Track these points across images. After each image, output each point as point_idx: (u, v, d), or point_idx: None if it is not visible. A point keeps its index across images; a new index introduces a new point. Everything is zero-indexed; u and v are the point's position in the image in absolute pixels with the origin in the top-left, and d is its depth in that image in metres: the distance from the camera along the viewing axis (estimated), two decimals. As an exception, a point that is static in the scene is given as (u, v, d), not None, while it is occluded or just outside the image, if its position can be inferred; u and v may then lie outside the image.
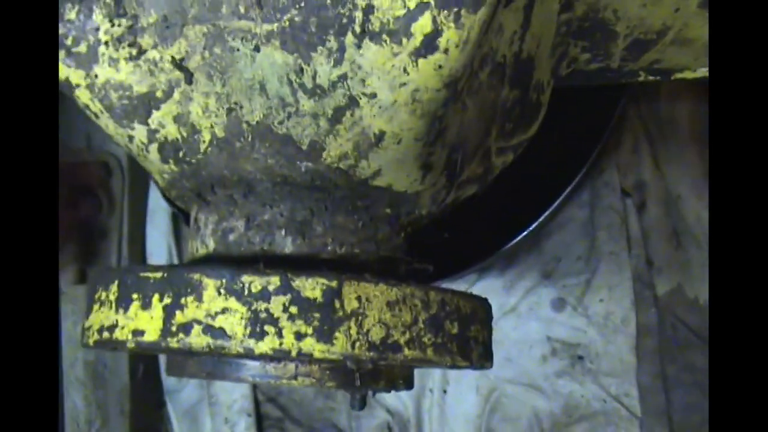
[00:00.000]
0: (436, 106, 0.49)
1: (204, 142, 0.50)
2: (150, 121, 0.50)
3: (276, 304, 0.46)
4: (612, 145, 1.27)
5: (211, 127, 0.50)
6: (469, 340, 0.51)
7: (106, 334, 0.49)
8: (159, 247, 1.24)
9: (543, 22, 0.61)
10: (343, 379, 0.50)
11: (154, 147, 0.52)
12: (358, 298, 0.47)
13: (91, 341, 0.50)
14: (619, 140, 1.27)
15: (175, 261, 1.25)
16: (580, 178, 1.28)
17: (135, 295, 0.48)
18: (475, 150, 0.62)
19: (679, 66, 0.77)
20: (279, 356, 0.46)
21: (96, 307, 0.50)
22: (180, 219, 1.20)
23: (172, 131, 0.51)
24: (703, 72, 0.79)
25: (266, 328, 0.46)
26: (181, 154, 0.51)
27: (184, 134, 0.50)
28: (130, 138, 0.52)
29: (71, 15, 0.49)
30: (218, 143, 0.50)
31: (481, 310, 0.54)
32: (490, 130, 0.63)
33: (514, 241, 1.26)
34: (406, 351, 0.47)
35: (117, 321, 0.48)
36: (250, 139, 0.50)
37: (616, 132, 1.28)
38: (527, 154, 0.75)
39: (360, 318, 0.47)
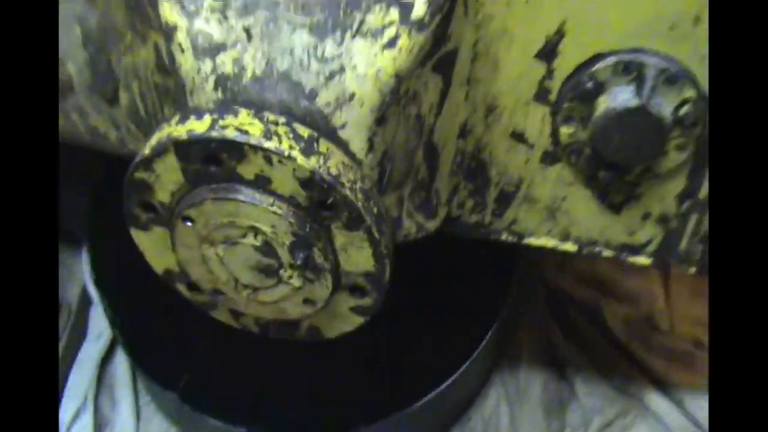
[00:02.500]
0: (387, 88, 0.83)
1: (246, 78, 0.82)
2: (217, 59, 0.83)
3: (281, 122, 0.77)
4: (480, 399, 1.52)
5: (254, 69, 0.83)
6: None
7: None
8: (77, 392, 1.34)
9: (448, 126, 0.98)
10: None
11: (212, 78, 0.83)
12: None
13: None
14: (486, 396, 1.52)
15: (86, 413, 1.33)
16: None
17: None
18: (398, 182, 0.92)
19: (528, 230, 1.10)
20: (277, 153, 0.73)
21: None
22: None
23: (228, 68, 0.83)
24: (541, 242, 1.11)
25: (273, 134, 0.74)
26: (228, 84, 0.83)
27: (236, 71, 0.83)
28: (199, 69, 0.83)
29: None
30: (255, 80, 0.82)
31: None
32: (406, 179, 0.94)
33: None
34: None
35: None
36: (276, 79, 0.82)
37: (483, 389, 1.53)
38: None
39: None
